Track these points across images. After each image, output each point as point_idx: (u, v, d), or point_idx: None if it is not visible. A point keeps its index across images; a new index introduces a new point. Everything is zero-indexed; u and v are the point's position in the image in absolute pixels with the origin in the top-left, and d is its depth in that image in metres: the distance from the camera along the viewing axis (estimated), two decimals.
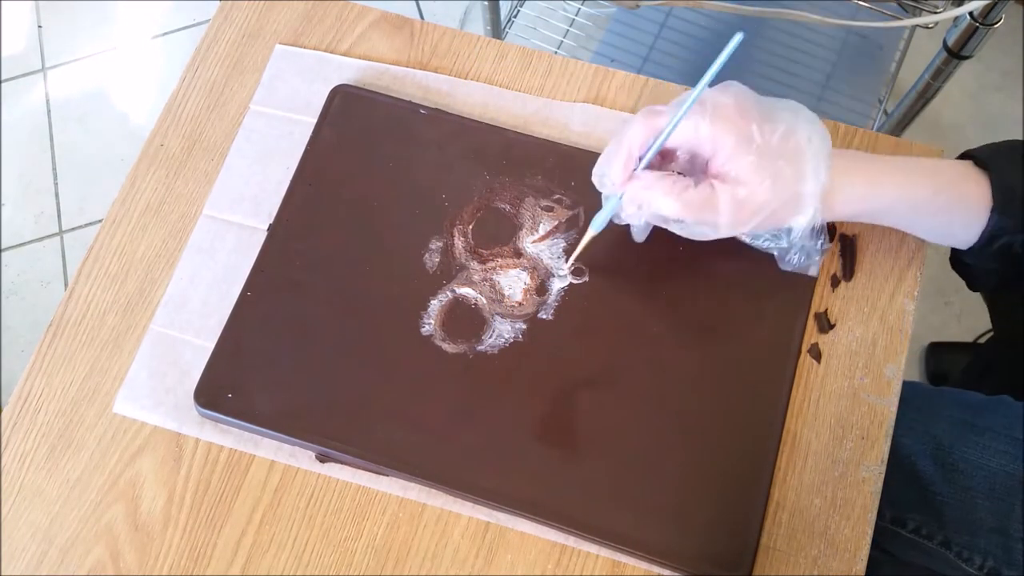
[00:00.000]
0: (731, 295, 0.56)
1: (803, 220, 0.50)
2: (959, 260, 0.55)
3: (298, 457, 0.54)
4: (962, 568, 0.64)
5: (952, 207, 0.50)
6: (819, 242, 0.52)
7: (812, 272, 0.55)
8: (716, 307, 0.55)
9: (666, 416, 0.53)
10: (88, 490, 0.54)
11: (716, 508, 0.51)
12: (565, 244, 0.57)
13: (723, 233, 0.50)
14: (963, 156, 0.53)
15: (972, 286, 0.56)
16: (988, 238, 0.50)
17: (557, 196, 0.59)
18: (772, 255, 0.54)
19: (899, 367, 0.54)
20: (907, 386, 0.58)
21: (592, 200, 0.58)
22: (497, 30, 1.15)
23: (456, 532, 0.52)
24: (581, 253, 0.55)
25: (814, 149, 0.49)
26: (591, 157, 0.59)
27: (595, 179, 0.52)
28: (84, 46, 1.60)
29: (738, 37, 0.45)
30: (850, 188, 0.50)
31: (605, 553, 0.51)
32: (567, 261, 0.56)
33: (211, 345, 0.56)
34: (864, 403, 0.54)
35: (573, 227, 0.58)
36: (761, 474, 0.52)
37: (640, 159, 0.50)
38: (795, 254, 0.53)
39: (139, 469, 0.54)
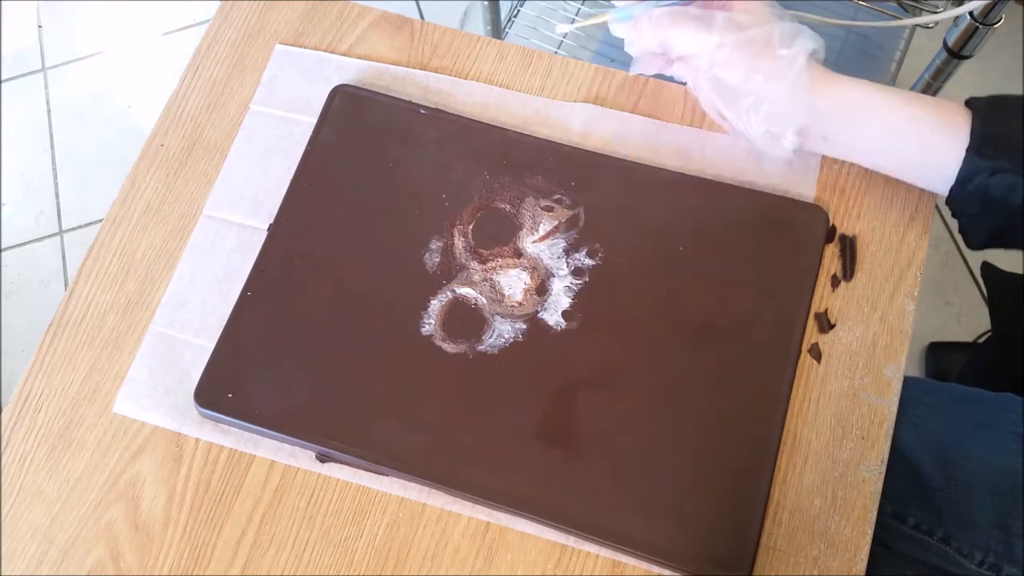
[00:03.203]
0: (731, 295, 0.56)
1: (783, 83, 0.52)
2: (953, 212, 0.55)
3: (298, 457, 0.54)
4: (962, 564, 0.64)
5: (927, 138, 0.51)
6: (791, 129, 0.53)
7: (787, 146, 0.54)
8: (716, 307, 0.55)
9: (666, 416, 0.53)
10: (88, 490, 0.54)
11: (716, 508, 0.51)
12: (565, 244, 0.57)
13: (709, 48, 0.52)
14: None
15: (968, 241, 0.56)
16: (963, 178, 0.50)
17: (557, 196, 0.59)
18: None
19: (899, 367, 0.54)
20: (910, 381, 0.57)
21: (592, 200, 0.58)
22: (497, 30, 1.15)
23: (456, 532, 0.52)
24: (589, 25, 0.57)
25: (802, 42, 0.52)
26: (591, 157, 0.59)
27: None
28: (84, 46, 1.60)
29: None
30: (833, 84, 0.52)
31: (605, 553, 0.51)
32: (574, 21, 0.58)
33: (211, 345, 0.56)
34: (864, 403, 0.54)
35: (573, 227, 0.58)
36: (761, 474, 0.52)
37: None
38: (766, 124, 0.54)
39: (139, 469, 0.54)
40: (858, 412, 0.54)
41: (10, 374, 1.38)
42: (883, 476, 0.52)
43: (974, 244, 0.55)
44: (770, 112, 0.52)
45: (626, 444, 0.52)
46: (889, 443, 0.53)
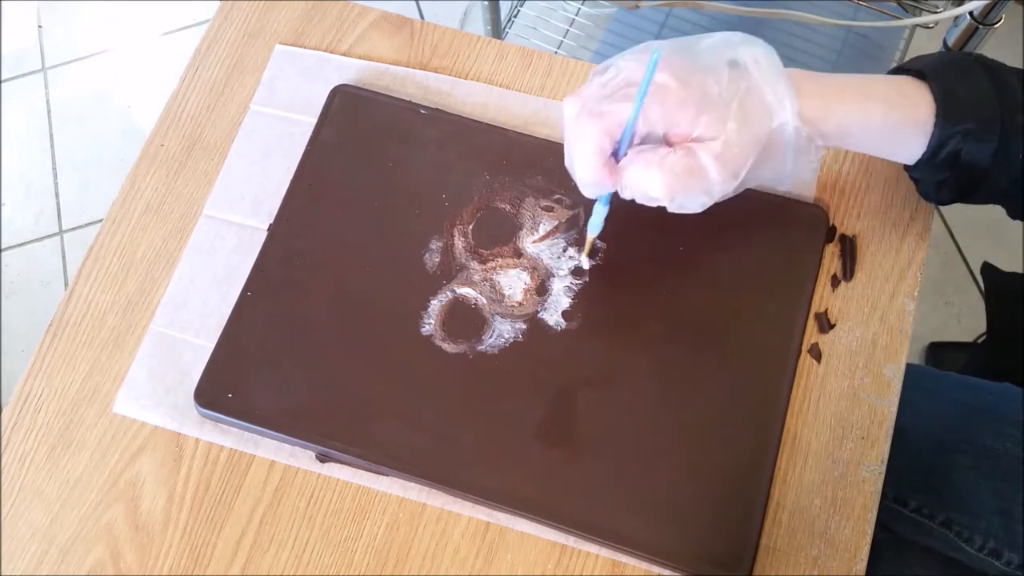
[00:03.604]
0: (731, 295, 0.56)
1: (787, 140, 0.48)
2: (916, 178, 0.54)
3: (298, 457, 0.54)
4: (963, 548, 0.64)
5: (902, 124, 0.49)
6: (813, 149, 0.49)
7: (809, 177, 0.52)
8: (716, 307, 0.55)
9: (666, 416, 0.53)
10: (88, 490, 0.54)
11: (716, 508, 0.51)
12: (565, 244, 0.57)
13: (717, 195, 0.48)
14: (898, 70, 0.52)
15: (930, 198, 0.54)
16: (934, 148, 0.49)
17: (557, 196, 0.59)
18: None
19: (899, 367, 0.54)
20: (914, 369, 0.57)
21: (592, 200, 0.58)
22: (497, 30, 1.15)
23: (456, 532, 0.52)
24: (589, 251, 0.56)
25: (764, 72, 0.47)
26: None
27: (589, 192, 0.51)
28: (84, 46, 1.60)
29: (655, 55, 0.44)
30: (805, 109, 0.48)
31: (605, 553, 0.51)
32: (580, 254, 0.56)
33: (211, 345, 0.56)
34: (864, 403, 0.54)
35: (573, 227, 0.58)
36: (761, 474, 0.52)
37: (614, 155, 0.48)
38: (789, 168, 0.50)
39: (139, 469, 0.54)
40: (858, 412, 0.54)
41: (10, 374, 1.38)
42: (883, 476, 0.52)
43: (937, 201, 0.54)
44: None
45: (626, 444, 0.52)
46: (889, 443, 0.53)
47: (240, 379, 0.54)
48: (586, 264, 0.57)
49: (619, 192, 0.50)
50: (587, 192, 0.51)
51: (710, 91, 0.46)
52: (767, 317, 0.55)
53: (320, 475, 0.54)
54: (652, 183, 0.47)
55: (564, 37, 1.20)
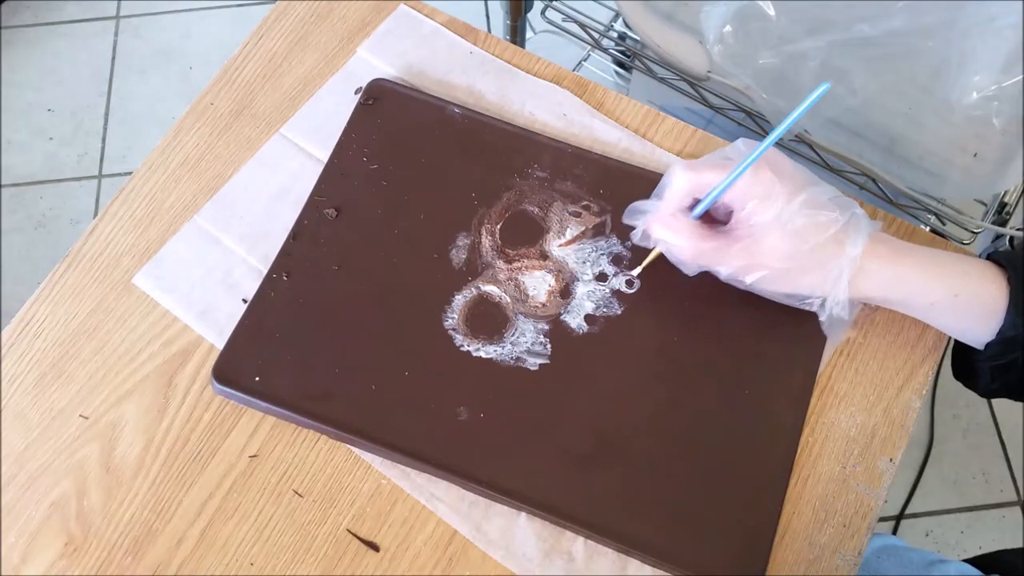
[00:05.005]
0: (755, 331, 0.55)
1: (827, 295, 0.51)
2: (963, 370, 0.55)
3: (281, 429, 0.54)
4: None
5: (970, 308, 0.50)
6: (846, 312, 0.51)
7: (833, 340, 0.55)
8: (737, 324, 0.55)
9: (677, 431, 0.53)
10: (68, 424, 0.54)
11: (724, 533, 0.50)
12: (591, 249, 0.58)
13: (725, 279, 0.52)
14: (988, 256, 0.52)
15: (976, 388, 0.55)
16: (1000, 339, 0.49)
17: (585, 203, 0.59)
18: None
19: (895, 461, 0.53)
20: (882, 540, 0.55)
21: (620, 209, 0.58)
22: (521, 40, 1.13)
23: (420, 538, 0.51)
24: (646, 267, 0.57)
25: (851, 233, 0.49)
26: (621, 167, 0.60)
27: (627, 217, 0.55)
28: (161, 2, 1.63)
29: (824, 87, 0.46)
30: (874, 272, 0.50)
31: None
32: (633, 270, 0.57)
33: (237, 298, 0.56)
34: (852, 491, 0.53)
35: (600, 234, 0.58)
36: (764, 534, 0.51)
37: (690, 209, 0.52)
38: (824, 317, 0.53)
39: (123, 413, 0.54)
40: (844, 499, 0.52)
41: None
42: (857, 567, 0.51)
43: (983, 393, 0.55)
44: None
45: (633, 450, 0.52)
46: (869, 536, 0.52)
47: (260, 359, 0.54)
48: (633, 276, 0.57)
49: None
50: (628, 217, 0.55)
51: (791, 204, 0.49)
52: (788, 357, 0.55)
53: (296, 453, 0.53)
54: (680, 247, 0.51)
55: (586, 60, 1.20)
